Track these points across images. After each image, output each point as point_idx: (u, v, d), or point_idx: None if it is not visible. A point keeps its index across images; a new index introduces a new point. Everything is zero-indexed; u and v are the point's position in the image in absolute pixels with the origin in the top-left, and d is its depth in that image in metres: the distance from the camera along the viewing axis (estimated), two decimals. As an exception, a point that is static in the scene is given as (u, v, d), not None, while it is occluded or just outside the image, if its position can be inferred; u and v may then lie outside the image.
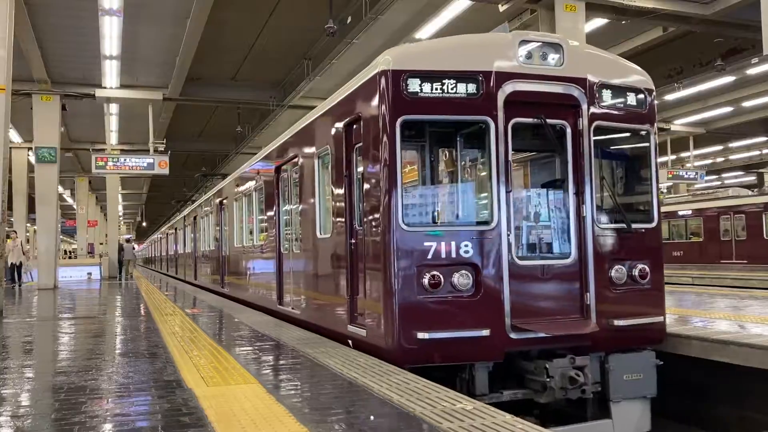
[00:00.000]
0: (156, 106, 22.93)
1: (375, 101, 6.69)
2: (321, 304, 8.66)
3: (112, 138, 27.69)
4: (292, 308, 10.05)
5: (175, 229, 32.07)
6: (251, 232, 13.96)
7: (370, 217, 6.80)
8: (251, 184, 13.54)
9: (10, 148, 23.08)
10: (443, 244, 6.34)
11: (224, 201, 17.03)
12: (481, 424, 4.01)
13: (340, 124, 7.76)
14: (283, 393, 4.98)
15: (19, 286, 22.01)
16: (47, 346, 8.33)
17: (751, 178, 43.80)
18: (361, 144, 7.16)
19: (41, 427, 4.22)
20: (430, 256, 6.31)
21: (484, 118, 6.56)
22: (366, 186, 6.93)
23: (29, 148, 25.80)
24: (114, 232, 33.68)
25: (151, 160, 21.66)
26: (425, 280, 6.26)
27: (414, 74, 6.44)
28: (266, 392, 5.00)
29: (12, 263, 21.55)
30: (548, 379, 6.30)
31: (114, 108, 23.80)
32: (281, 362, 6.41)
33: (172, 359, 6.64)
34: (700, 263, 26.35)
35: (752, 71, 23.54)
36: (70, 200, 47.43)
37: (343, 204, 7.64)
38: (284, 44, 20.23)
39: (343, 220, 7.60)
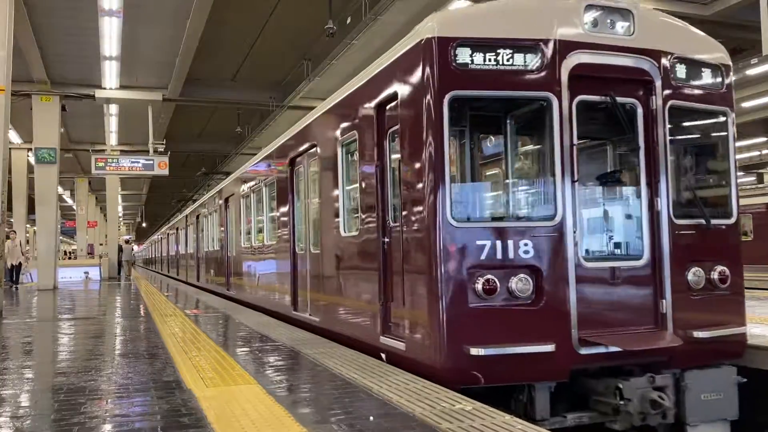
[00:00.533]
0: (156, 106, 22.94)
1: (417, 75, 5.78)
2: (345, 311, 7.81)
3: (112, 139, 27.72)
4: (310, 314, 9.17)
5: (177, 228, 31.25)
6: (260, 231, 13.08)
7: (410, 212, 5.94)
8: (261, 179, 12.57)
9: (10, 148, 23.05)
10: (499, 242, 5.47)
11: (230, 198, 16.07)
12: (481, 424, 4.01)
13: (370, 106, 6.89)
14: (282, 394, 4.98)
15: (17, 288, 21.93)
16: (47, 347, 8.32)
17: (751, 179, 43.82)
18: (397, 127, 6.27)
19: (41, 427, 4.22)
20: (483, 257, 5.45)
21: (545, 94, 5.66)
22: (404, 176, 6.06)
23: (29, 149, 25.80)
24: (114, 232, 33.73)
25: (151, 161, 21.69)
26: (478, 286, 5.40)
27: (464, 42, 5.53)
28: (266, 393, 5.00)
29: (11, 264, 21.52)
30: (622, 402, 5.42)
31: (114, 109, 23.82)
32: (281, 363, 6.40)
33: (172, 360, 6.63)
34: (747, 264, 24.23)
35: (752, 72, 23.53)
36: (69, 201, 47.44)
37: (373, 198, 6.78)
38: (284, 45, 20.25)
39: (374, 216, 6.77)
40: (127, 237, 39.55)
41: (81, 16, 16.28)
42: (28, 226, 32.33)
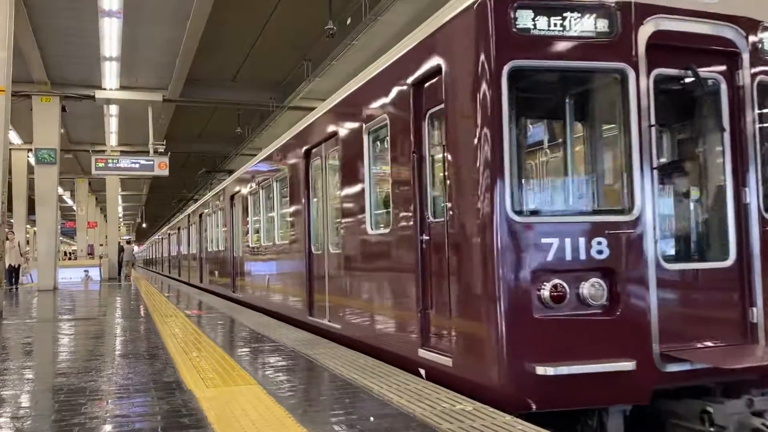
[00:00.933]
0: (156, 107, 22.96)
1: (468, 44, 5.03)
2: (373, 319, 6.97)
3: (112, 139, 27.75)
4: (329, 320, 8.35)
5: (179, 228, 30.41)
6: (270, 230, 12.21)
7: (458, 206, 5.18)
8: (271, 174, 11.76)
9: (10, 149, 23.06)
10: (568, 241, 4.71)
11: (236, 196, 15.19)
12: (481, 424, 4.01)
13: (405, 85, 6.09)
14: (283, 394, 4.98)
15: (16, 289, 21.87)
16: (47, 348, 8.32)
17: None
18: (438, 108, 5.52)
19: (41, 428, 4.21)
20: (550, 257, 4.69)
21: (620, 65, 4.89)
22: (450, 163, 5.28)
23: (29, 150, 25.83)
24: (114, 233, 33.75)
25: (151, 162, 21.69)
26: (545, 292, 4.64)
27: (525, 4, 4.78)
28: (266, 393, 5.00)
29: (10, 265, 21.49)
30: (713, 429, 4.65)
31: (114, 109, 23.85)
32: (281, 363, 6.40)
33: (172, 360, 6.63)
34: None
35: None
36: (69, 201, 47.47)
37: (407, 190, 6.00)
38: (284, 45, 20.26)
39: (409, 211, 6.00)
40: (128, 237, 39.56)
41: (81, 16, 16.30)
42: (28, 226, 32.35)
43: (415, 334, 5.86)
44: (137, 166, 21.68)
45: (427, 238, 5.75)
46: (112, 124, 25.98)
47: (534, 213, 5.07)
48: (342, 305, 7.93)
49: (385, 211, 6.89)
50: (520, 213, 4.78)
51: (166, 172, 21.90)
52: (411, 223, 5.96)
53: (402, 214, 6.19)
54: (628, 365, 4.57)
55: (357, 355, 6.68)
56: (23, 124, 23.13)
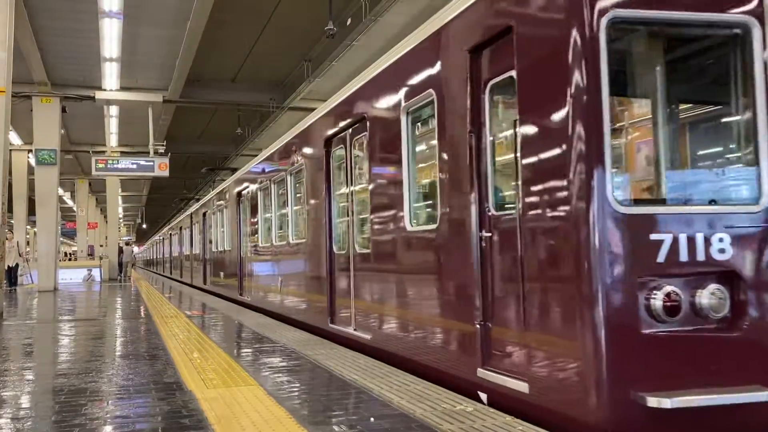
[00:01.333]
0: (156, 108, 22.99)
1: None
2: (413, 330, 6.05)
3: (112, 140, 27.76)
4: (355, 329, 7.47)
5: (181, 228, 29.63)
6: (283, 228, 11.30)
7: (539, 194, 4.20)
8: (284, 166, 10.85)
9: (10, 150, 23.08)
10: (683, 237, 3.81)
11: (244, 192, 14.31)
12: (482, 425, 4.01)
13: (458, 52, 5.17)
14: (283, 395, 4.98)
15: (14, 289, 21.84)
16: (47, 349, 8.32)
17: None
18: (506, 76, 4.62)
19: (41, 429, 4.21)
20: (661, 258, 3.78)
21: (742, 19, 3.97)
22: (526, 142, 4.31)
23: (29, 150, 25.85)
24: (114, 234, 33.76)
25: (151, 162, 21.71)
26: (656, 302, 3.74)
27: None
28: (266, 394, 5.00)
29: (8, 265, 21.48)
30: None
31: (114, 110, 23.87)
32: (282, 364, 6.40)
33: (173, 361, 6.63)
34: None
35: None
36: (70, 202, 47.51)
37: (462, 178, 5.10)
38: (284, 46, 20.27)
39: (464, 202, 5.07)
40: (127, 239, 39.57)
41: (81, 17, 16.32)
42: (28, 227, 32.36)
43: (472, 351, 4.93)
44: (137, 166, 21.70)
45: (489, 234, 4.81)
46: (113, 125, 26.00)
47: (641, 202, 4.12)
48: (372, 313, 7.01)
49: (428, 204, 6.12)
50: (623, 203, 3.84)
51: (166, 173, 21.91)
52: (466, 217, 5.04)
53: (453, 207, 5.25)
54: (761, 395, 3.65)
55: (357, 355, 6.67)
56: (23, 124, 23.15)
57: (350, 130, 7.76)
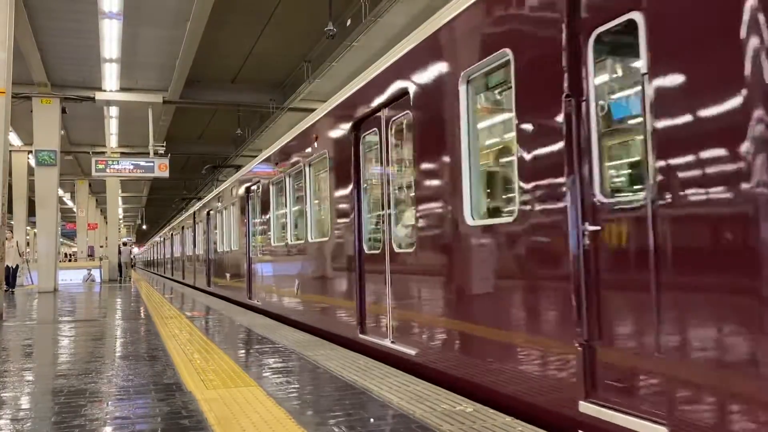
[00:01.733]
0: (156, 108, 22.99)
1: None
2: (482, 348, 4.99)
3: (112, 141, 27.76)
4: (393, 341, 6.56)
5: (183, 227, 28.98)
6: (300, 225, 10.33)
7: (682, 178, 3.21)
8: (301, 157, 9.87)
9: (10, 151, 23.09)
10: None
11: (254, 188, 13.34)
12: (482, 426, 4.00)
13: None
14: (283, 396, 4.98)
15: (12, 291, 21.78)
16: (47, 349, 8.31)
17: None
18: (624, 19, 3.58)
19: (41, 430, 4.21)
20: None
21: None
22: (661, 99, 3.31)
23: (29, 151, 25.85)
24: (114, 235, 33.72)
25: (151, 163, 21.70)
26: None
27: None
28: (266, 395, 5.00)
29: (8, 266, 21.45)
30: None
31: (114, 111, 23.87)
32: (281, 365, 6.39)
33: (172, 362, 6.63)
34: None
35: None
36: (70, 203, 47.52)
37: (554, 157, 4.13)
38: (284, 47, 20.28)
39: (557, 189, 4.09)
40: (125, 239, 39.48)
41: (81, 18, 16.33)
42: (28, 228, 32.36)
43: (575, 379, 3.92)
44: (137, 167, 21.69)
45: (596, 229, 3.82)
46: (113, 126, 26.00)
47: None
48: (417, 324, 6.05)
49: (501, 191, 5.24)
50: None
51: (166, 174, 21.91)
52: (560, 206, 4.07)
53: (538, 194, 4.29)
54: None
55: (357, 356, 6.67)
56: (23, 125, 23.17)
57: (386, 109, 6.78)
